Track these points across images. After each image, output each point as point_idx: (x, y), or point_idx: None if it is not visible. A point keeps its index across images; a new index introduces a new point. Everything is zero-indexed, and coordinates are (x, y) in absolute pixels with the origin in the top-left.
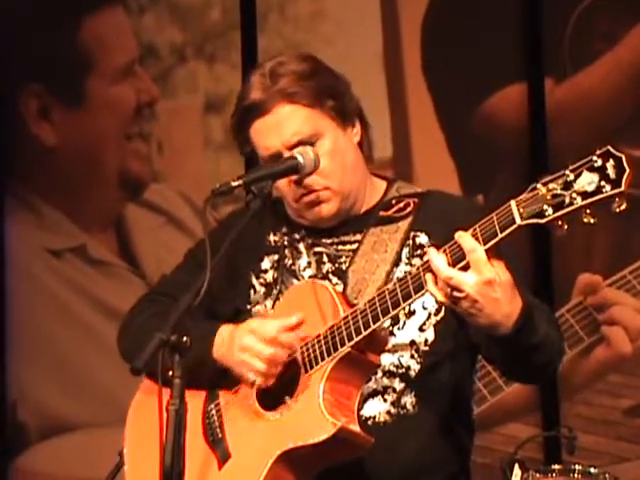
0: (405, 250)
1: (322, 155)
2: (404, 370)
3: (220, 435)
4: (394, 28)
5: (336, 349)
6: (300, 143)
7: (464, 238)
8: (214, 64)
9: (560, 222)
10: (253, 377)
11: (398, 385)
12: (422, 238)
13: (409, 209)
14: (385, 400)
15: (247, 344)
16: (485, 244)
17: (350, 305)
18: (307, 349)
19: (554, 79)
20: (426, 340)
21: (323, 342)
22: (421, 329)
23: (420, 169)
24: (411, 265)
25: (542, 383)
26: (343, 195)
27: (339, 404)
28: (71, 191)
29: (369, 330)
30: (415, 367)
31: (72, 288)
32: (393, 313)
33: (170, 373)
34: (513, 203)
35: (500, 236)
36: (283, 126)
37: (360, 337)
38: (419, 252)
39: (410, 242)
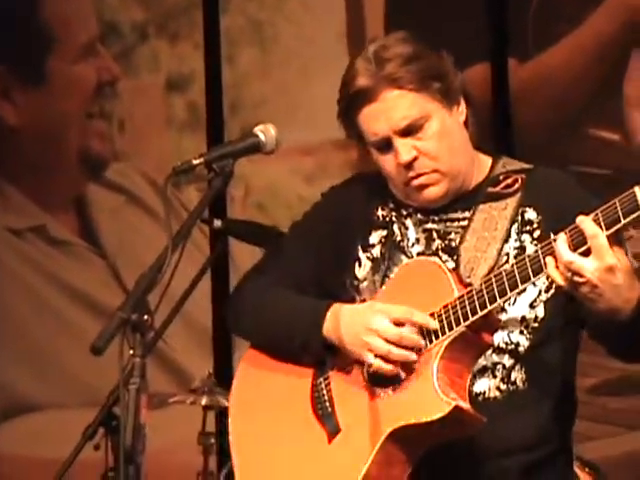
0: (514, 226)
1: (430, 137)
2: (513, 347)
3: (330, 409)
4: (358, 8)
5: (451, 328)
6: (409, 126)
7: (586, 223)
8: (176, 43)
9: None
10: (372, 360)
11: (507, 361)
12: (530, 214)
13: (517, 185)
14: (495, 376)
15: (377, 326)
16: (607, 230)
17: (463, 284)
18: (421, 329)
19: (518, 59)
20: (536, 317)
21: (437, 320)
22: (532, 306)
23: None
24: (520, 241)
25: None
26: (452, 176)
27: (452, 383)
28: (32, 170)
29: (485, 311)
30: (524, 343)
31: (34, 268)
32: (510, 294)
33: (131, 352)
34: (637, 189)
35: (623, 222)
36: (391, 111)
37: (476, 317)
38: (528, 228)
39: (519, 218)
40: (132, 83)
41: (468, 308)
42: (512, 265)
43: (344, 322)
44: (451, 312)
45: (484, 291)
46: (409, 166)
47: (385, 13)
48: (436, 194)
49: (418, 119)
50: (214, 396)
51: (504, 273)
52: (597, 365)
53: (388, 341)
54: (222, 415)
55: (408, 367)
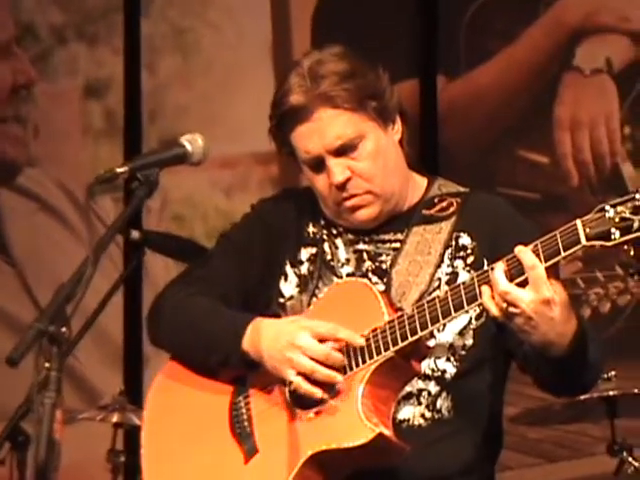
0: (448, 251)
1: (364, 158)
2: (440, 374)
3: (248, 429)
4: (284, 18)
5: (379, 352)
6: (343, 146)
7: (525, 254)
8: (95, 47)
9: (626, 246)
10: (294, 377)
11: (433, 388)
12: (465, 239)
13: (452, 209)
14: (420, 403)
15: (302, 342)
16: (546, 262)
17: (394, 308)
18: (347, 350)
19: (447, 76)
20: (464, 345)
21: (365, 345)
22: (461, 333)
23: None
24: (453, 267)
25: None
26: (385, 198)
27: (376, 409)
28: None
29: (416, 337)
30: (451, 371)
31: None
32: (442, 322)
33: (47, 365)
34: (579, 222)
35: (562, 255)
36: (325, 131)
37: (406, 343)
38: (462, 253)
39: (453, 243)
40: (49, 87)
41: (398, 333)
42: (446, 292)
43: (266, 337)
44: (380, 336)
45: (416, 317)
46: (342, 187)
47: (312, 24)
48: (368, 216)
49: (353, 139)
50: (124, 413)
51: (437, 299)
52: (518, 393)
53: (313, 359)
54: (132, 433)
55: (331, 389)
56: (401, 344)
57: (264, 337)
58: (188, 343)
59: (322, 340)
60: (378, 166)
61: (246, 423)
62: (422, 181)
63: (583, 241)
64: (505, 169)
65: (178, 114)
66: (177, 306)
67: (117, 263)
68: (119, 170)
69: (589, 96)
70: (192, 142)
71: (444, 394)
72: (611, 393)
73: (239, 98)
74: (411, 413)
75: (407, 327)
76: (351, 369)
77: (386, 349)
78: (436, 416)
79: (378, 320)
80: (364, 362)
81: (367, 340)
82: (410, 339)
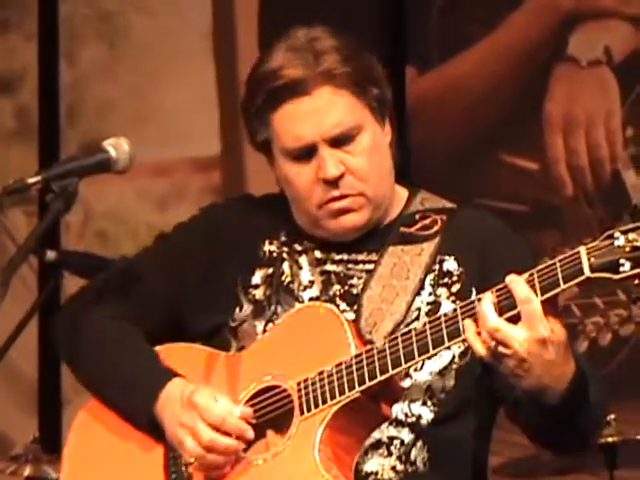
0: (429, 276)
1: (359, 153)
2: (414, 419)
3: (186, 475)
4: (227, 5)
5: (342, 392)
6: (341, 136)
7: (518, 284)
8: (6, 34)
9: (637, 281)
10: (189, 458)
11: (407, 436)
12: (450, 264)
13: (436, 228)
14: (390, 454)
15: (187, 422)
16: (542, 294)
17: (363, 340)
18: (306, 387)
19: (417, 67)
20: (444, 386)
21: (327, 381)
22: (441, 373)
23: (252, 170)
24: (435, 295)
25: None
26: (376, 204)
27: (336, 458)
28: None
29: (386, 376)
30: (428, 416)
31: None
32: (418, 359)
33: None
34: (583, 250)
35: (562, 287)
36: (324, 114)
37: (374, 382)
38: (446, 280)
39: (436, 267)
40: None
41: (366, 370)
42: (424, 324)
43: (170, 404)
44: (344, 373)
45: (387, 352)
46: (333, 183)
47: (260, 7)
48: (355, 222)
49: (351, 128)
50: (39, 465)
51: (414, 333)
52: (502, 441)
53: (200, 443)
54: None
55: (287, 431)
56: (369, 383)
57: (169, 405)
58: (101, 391)
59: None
60: (373, 165)
61: (183, 468)
62: (402, 193)
63: (587, 272)
64: (486, 176)
65: (102, 112)
66: (91, 336)
67: (31, 288)
68: (31, 180)
69: (585, 91)
70: (117, 147)
71: (419, 443)
72: (610, 440)
73: (174, 94)
74: (380, 465)
75: (377, 363)
76: (309, 410)
77: (351, 388)
78: (409, 469)
79: (344, 353)
80: (324, 402)
81: (329, 376)
82: (379, 378)
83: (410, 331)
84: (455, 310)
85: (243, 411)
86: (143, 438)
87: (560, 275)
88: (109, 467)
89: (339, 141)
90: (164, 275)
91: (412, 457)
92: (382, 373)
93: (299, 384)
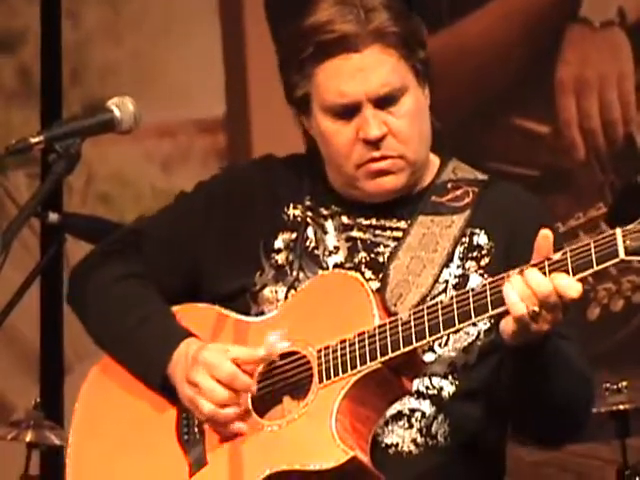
0: (459, 249)
1: (402, 115)
2: (436, 392)
3: (198, 436)
4: None
5: (364, 362)
6: (387, 96)
7: (535, 277)
8: None
9: None
10: (201, 417)
11: (428, 409)
12: (481, 238)
13: (467, 200)
14: (411, 426)
15: (197, 380)
16: (574, 274)
17: (387, 311)
18: (326, 354)
19: (427, 28)
20: (466, 362)
21: (348, 350)
22: (465, 350)
23: (258, 132)
24: (464, 268)
25: (559, 443)
26: (415, 168)
27: (353, 429)
28: None
29: (409, 348)
30: (449, 389)
31: None
32: (443, 333)
33: None
34: (619, 232)
35: (595, 269)
36: (372, 72)
37: (397, 353)
38: (475, 254)
39: (466, 240)
40: None
41: (389, 340)
42: (451, 297)
43: (181, 364)
44: (367, 342)
45: (412, 323)
46: (374, 144)
47: None
48: (394, 185)
49: (397, 89)
50: (40, 431)
51: (439, 306)
52: None
53: (211, 400)
54: (50, 455)
55: (304, 398)
56: (391, 354)
57: (180, 364)
58: (114, 349)
59: (224, 381)
60: (414, 128)
61: (196, 429)
62: (435, 160)
63: (622, 254)
64: (497, 140)
65: (105, 73)
66: (106, 293)
67: (33, 251)
68: (33, 140)
69: (598, 53)
70: (121, 107)
71: (440, 417)
72: (622, 407)
73: (178, 55)
74: (400, 437)
75: (400, 335)
76: (328, 378)
77: (372, 358)
78: (430, 442)
79: (366, 323)
80: (344, 371)
81: (351, 345)
82: (402, 349)
83: (436, 304)
84: (484, 285)
85: (267, 353)
86: (156, 398)
87: (594, 256)
88: (120, 426)
89: (384, 101)
90: (183, 236)
91: (433, 430)
92: (405, 345)
93: (319, 351)
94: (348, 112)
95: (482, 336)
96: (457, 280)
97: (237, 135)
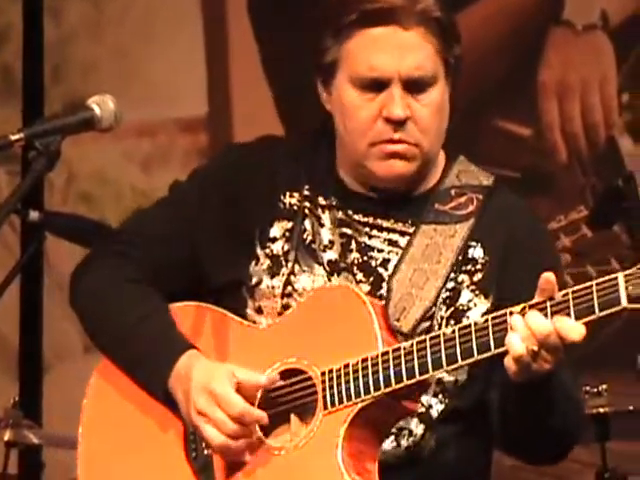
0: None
1: (427, 105)
2: (424, 410)
3: (206, 452)
4: None
5: (368, 392)
6: (419, 80)
7: (535, 319)
8: None
9: None
10: (210, 445)
11: (416, 427)
12: (477, 251)
13: (471, 208)
14: (399, 444)
15: (206, 411)
16: (577, 319)
17: (390, 330)
18: (330, 379)
19: None
20: (456, 381)
21: (352, 377)
22: (454, 368)
23: (240, 132)
24: (456, 282)
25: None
26: (427, 160)
27: (359, 453)
28: None
29: (412, 381)
30: (438, 407)
31: None
32: (446, 368)
33: None
34: (621, 277)
35: (598, 315)
36: (409, 52)
37: (400, 385)
38: (470, 267)
39: (462, 252)
40: None
41: (392, 371)
42: (453, 331)
43: (184, 385)
44: (370, 370)
45: (415, 355)
46: (396, 125)
47: None
48: (404, 170)
49: (429, 77)
50: (19, 430)
51: (442, 339)
52: None
53: (222, 431)
54: (28, 454)
55: (310, 422)
56: (395, 386)
57: (183, 384)
58: (116, 356)
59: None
60: (435, 121)
61: (204, 449)
62: (441, 159)
63: (624, 302)
64: (479, 142)
65: (87, 71)
66: (105, 298)
67: (13, 249)
68: (14, 137)
69: (581, 56)
70: (101, 105)
71: (427, 435)
72: (602, 410)
73: (161, 54)
74: (385, 454)
75: (403, 366)
76: (332, 405)
77: (376, 389)
78: (415, 459)
79: (370, 345)
80: (349, 399)
81: (355, 372)
82: (405, 382)
83: (438, 336)
84: (486, 321)
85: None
86: (161, 410)
87: (596, 302)
88: (124, 440)
89: (414, 85)
90: (180, 230)
91: (419, 448)
92: (409, 378)
93: (324, 374)
94: (375, 86)
95: None
96: (448, 294)
97: (219, 135)
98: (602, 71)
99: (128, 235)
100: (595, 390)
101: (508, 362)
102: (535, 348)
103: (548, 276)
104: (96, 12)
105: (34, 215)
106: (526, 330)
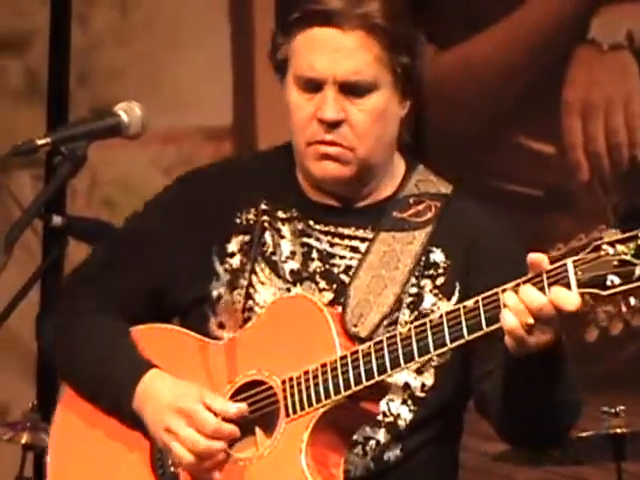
0: (417, 268)
1: (366, 111)
2: (392, 419)
3: (172, 469)
4: None
5: (328, 396)
6: (355, 85)
7: (529, 292)
8: None
9: (625, 300)
10: (179, 463)
11: (383, 437)
12: (437, 255)
13: (429, 215)
14: (365, 453)
15: (176, 430)
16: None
17: (348, 336)
18: (291, 386)
19: (437, 45)
20: (423, 385)
21: (312, 383)
22: (419, 371)
23: (265, 140)
24: (419, 287)
25: (546, 447)
26: (363, 167)
27: (324, 458)
28: None
29: (372, 382)
30: (406, 416)
31: None
32: (404, 366)
33: None
34: (570, 263)
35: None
36: (346, 56)
37: (360, 387)
38: (431, 272)
39: (423, 258)
40: None
41: (351, 374)
42: (409, 329)
43: (152, 402)
44: (330, 375)
45: (373, 356)
46: (329, 127)
47: None
48: (337, 173)
49: (368, 83)
50: (36, 433)
51: (399, 338)
52: None
53: (191, 451)
54: (44, 457)
55: (274, 431)
56: (354, 388)
57: (150, 402)
58: (79, 384)
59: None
60: (375, 129)
61: (171, 466)
62: (400, 165)
63: (574, 288)
64: (502, 160)
65: (113, 77)
66: (67, 332)
67: (34, 254)
68: (39, 142)
69: (606, 75)
70: (128, 111)
71: (394, 444)
72: (619, 431)
73: (187, 61)
74: (353, 464)
75: (362, 368)
76: (294, 412)
77: (336, 393)
78: (381, 468)
79: (328, 351)
80: (310, 405)
81: (315, 377)
82: (365, 383)
83: (395, 336)
84: (441, 317)
85: (239, 410)
86: (126, 431)
87: (547, 288)
88: (95, 463)
89: (350, 89)
90: (140, 257)
91: (385, 457)
92: (368, 379)
93: (284, 382)
94: (313, 87)
95: (435, 357)
96: (412, 299)
97: (244, 144)
98: (627, 91)
99: (90, 268)
100: (612, 411)
101: (506, 338)
102: (530, 321)
103: (537, 256)
104: (123, 19)
105: (57, 220)
106: (519, 304)
